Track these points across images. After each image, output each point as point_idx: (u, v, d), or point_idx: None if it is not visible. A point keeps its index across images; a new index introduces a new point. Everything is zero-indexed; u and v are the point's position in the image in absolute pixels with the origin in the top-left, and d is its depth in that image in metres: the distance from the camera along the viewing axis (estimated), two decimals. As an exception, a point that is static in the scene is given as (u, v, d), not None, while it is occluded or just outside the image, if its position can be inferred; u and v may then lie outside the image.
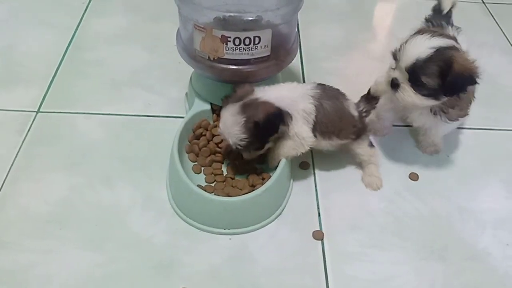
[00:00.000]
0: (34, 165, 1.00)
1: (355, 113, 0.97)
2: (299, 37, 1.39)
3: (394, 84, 0.91)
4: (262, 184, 0.92)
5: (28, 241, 0.87)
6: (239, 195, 0.91)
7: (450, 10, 1.06)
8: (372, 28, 1.52)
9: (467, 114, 1.01)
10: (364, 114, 1.00)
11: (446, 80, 0.87)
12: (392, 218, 0.96)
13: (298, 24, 1.41)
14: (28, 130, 1.07)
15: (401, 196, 1.00)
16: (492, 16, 1.58)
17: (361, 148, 1.00)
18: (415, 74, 0.88)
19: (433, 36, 0.89)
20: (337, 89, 0.98)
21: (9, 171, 0.98)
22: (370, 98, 1.01)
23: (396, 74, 0.91)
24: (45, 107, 1.13)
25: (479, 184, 1.04)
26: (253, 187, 0.93)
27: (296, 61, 1.30)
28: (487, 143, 1.14)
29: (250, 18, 0.90)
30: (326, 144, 0.97)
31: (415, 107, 0.96)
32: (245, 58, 0.93)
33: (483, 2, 1.65)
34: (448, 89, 0.88)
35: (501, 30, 1.52)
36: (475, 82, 0.89)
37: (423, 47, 0.87)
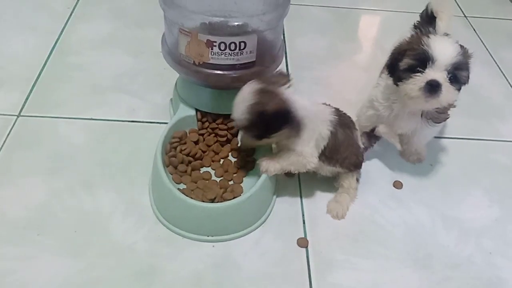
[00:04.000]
0: (13, 170, 0.98)
1: (361, 144, 0.97)
2: (285, 46, 1.40)
3: (434, 87, 0.87)
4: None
5: (4, 247, 0.85)
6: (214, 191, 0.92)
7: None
8: (357, 39, 1.53)
9: (449, 116, 1.03)
10: (364, 146, 1.00)
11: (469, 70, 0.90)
12: (376, 226, 0.95)
13: (284, 34, 1.42)
14: (8, 134, 1.05)
15: (385, 204, 1.00)
16: (474, 30, 1.61)
17: (348, 179, 0.98)
18: (457, 70, 0.88)
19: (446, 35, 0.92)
20: (350, 117, 0.97)
21: (-14, 176, 0.96)
22: (371, 136, 1.01)
23: (434, 76, 0.87)
24: (27, 111, 1.11)
25: (462, 193, 1.05)
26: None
27: (282, 70, 1.31)
28: (469, 152, 1.15)
29: (236, 24, 0.90)
30: (326, 170, 0.96)
31: (422, 109, 0.96)
32: (230, 63, 0.93)
33: (465, 16, 1.68)
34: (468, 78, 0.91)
35: (482, 43, 1.55)
36: None
37: (452, 43, 0.88)
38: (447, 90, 0.87)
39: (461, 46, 0.90)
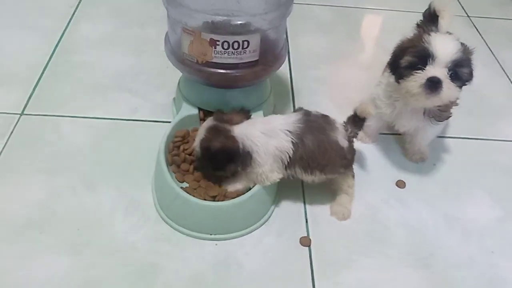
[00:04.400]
0: (15, 168, 0.98)
1: (344, 143, 0.90)
2: (288, 46, 1.40)
3: (435, 83, 0.87)
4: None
5: (5, 246, 0.85)
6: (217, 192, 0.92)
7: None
8: (359, 38, 1.53)
9: (451, 115, 1.03)
10: (352, 135, 0.94)
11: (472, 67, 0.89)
12: (378, 225, 0.95)
13: (286, 33, 1.41)
14: (11, 133, 1.05)
15: (388, 204, 1.00)
16: (476, 29, 1.61)
17: (344, 180, 0.96)
18: (458, 67, 0.88)
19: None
20: (325, 117, 0.92)
21: (-11, 174, 0.96)
22: (356, 120, 0.94)
23: (435, 72, 0.87)
24: (29, 109, 1.11)
25: (464, 193, 1.04)
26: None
27: (285, 69, 1.31)
28: (472, 152, 1.15)
29: (239, 22, 0.89)
30: (309, 178, 0.92)
31: (423, 106, 0.95)
32: (233, 62, 0.93)
33: (468, 16, 1.68)
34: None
35: (485, 42, 1.55)
36: None
37: (452, 40, 0.89)
38: (448, 87, 0.88)
39: (462, 44, 0.90)
